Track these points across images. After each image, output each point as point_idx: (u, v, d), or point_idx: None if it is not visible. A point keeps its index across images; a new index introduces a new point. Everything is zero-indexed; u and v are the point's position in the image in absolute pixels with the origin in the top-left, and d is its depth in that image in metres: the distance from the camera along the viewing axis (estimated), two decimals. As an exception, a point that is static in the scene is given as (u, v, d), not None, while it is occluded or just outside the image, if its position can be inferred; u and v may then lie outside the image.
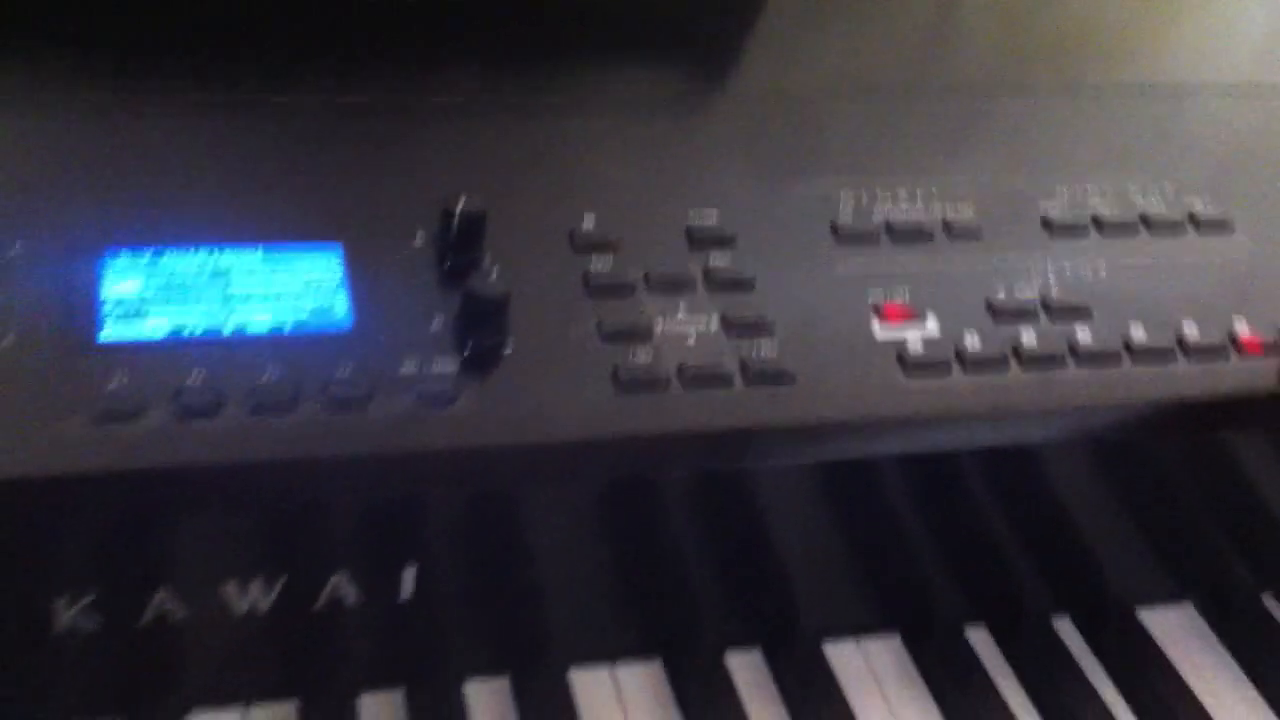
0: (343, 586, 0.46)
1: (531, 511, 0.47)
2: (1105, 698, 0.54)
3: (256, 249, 0.48)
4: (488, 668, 0.51)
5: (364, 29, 0.59)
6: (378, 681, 0.49)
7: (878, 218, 0.53)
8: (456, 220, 0.47)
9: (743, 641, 0.53)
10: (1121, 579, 0.58)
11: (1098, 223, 0.54)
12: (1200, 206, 0.57)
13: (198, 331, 0.44)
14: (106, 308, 0.45)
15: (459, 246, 0.48)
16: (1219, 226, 0.56)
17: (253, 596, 0.45)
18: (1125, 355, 0.50)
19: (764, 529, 0.50)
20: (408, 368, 0.44)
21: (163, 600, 0.44)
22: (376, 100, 0.55)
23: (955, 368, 0.48)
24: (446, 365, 0.45)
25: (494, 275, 0.46)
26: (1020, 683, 0.54)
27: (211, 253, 0.47)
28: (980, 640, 0.56)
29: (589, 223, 0.50)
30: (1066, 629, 0.57)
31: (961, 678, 0.54)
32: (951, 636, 0.55)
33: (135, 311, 0.45)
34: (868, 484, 0.50)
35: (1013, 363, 0.49)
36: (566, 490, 0.46)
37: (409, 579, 0.46)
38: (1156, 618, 0.58)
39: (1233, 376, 0.51)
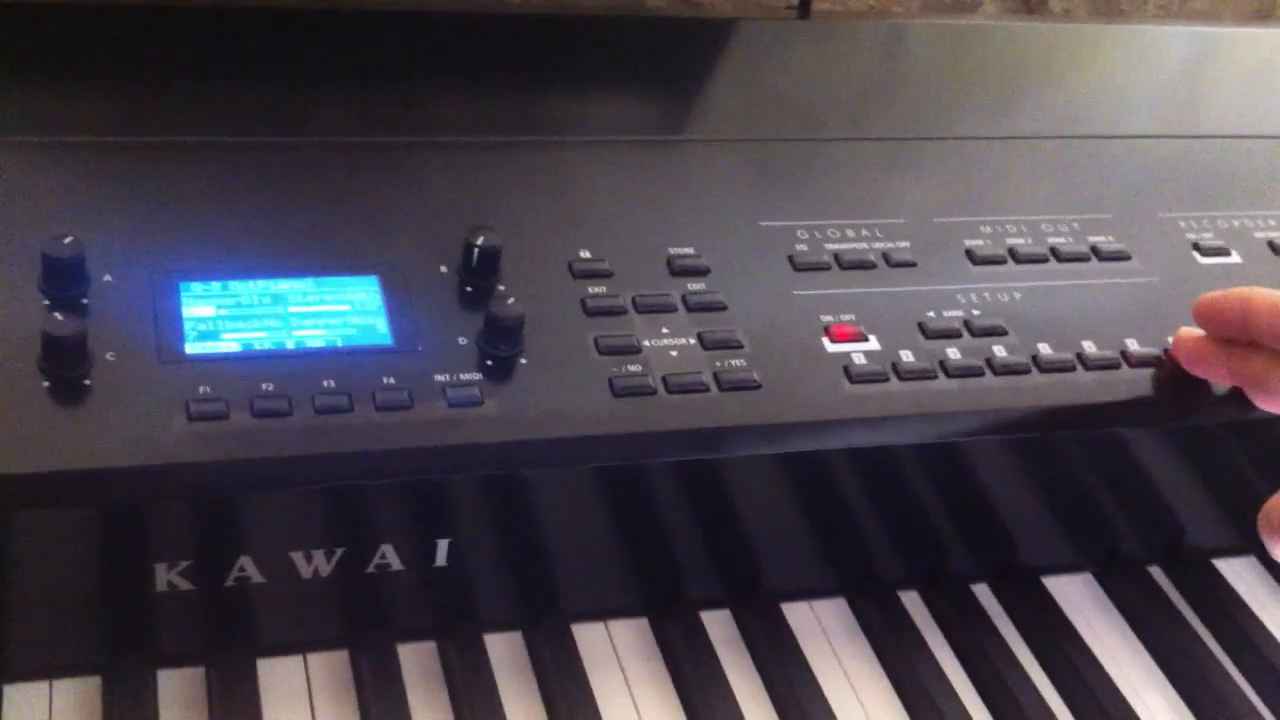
0: (388, 555, 0.55)
1: (543, 493, 0.56)
2: (1017, 652, 0.64)
3: (308, 278, 0.57)
4: (505, 622, 0.59)
5: (399, 74, 0.68)
6: (416, 633, 0.58)
7: (828, 251, 0.63)
8: (477, 253, 0.57)
9: (715, 603, 0.63)
10: (1031, 551, 0.67)
11: (1014, 254, 0.64)
12: (1102, 240, 0.67)
13: (265, 347, 0.54)
14: (188, 327, 0.54)
15: (479, 275, 0.57)
16: (1118, 257, 0.66)
17: (316, 563, 0.54)
18: (1034, 367, 0.60)
19: (732, 507, 0.60)
20: (441, 377, 0.53)
21: (243, 566, 0.53)
22: (405, 141, 0.64)
23: (891, 377, 0.58)
24: (473, 375, 0.54)
25: (510, 300, 0.55)
26: (944, 637, 0.64)
27: (270, 281, 0.56)
28: (912, 601, 0.65)
29: (585, 254, 0.60)
30: (983, 593, 0.66)
31: (896, 633, 0.63)
32: (889, 598, 0.65)
33: (212, 331, 0.54)
34: (818, 472, 0.59)
35: (940, 374, 0.59)
36: (572, 476, 0.55)
37: (443, 549, 0.55)
38: (1059, 584, 0.67)
39: (1124, 385, 0.60)
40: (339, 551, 0.54)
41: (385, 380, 0.53)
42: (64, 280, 0.52)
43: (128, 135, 0.60)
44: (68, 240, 0.52)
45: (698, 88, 0.73)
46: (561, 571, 0.59)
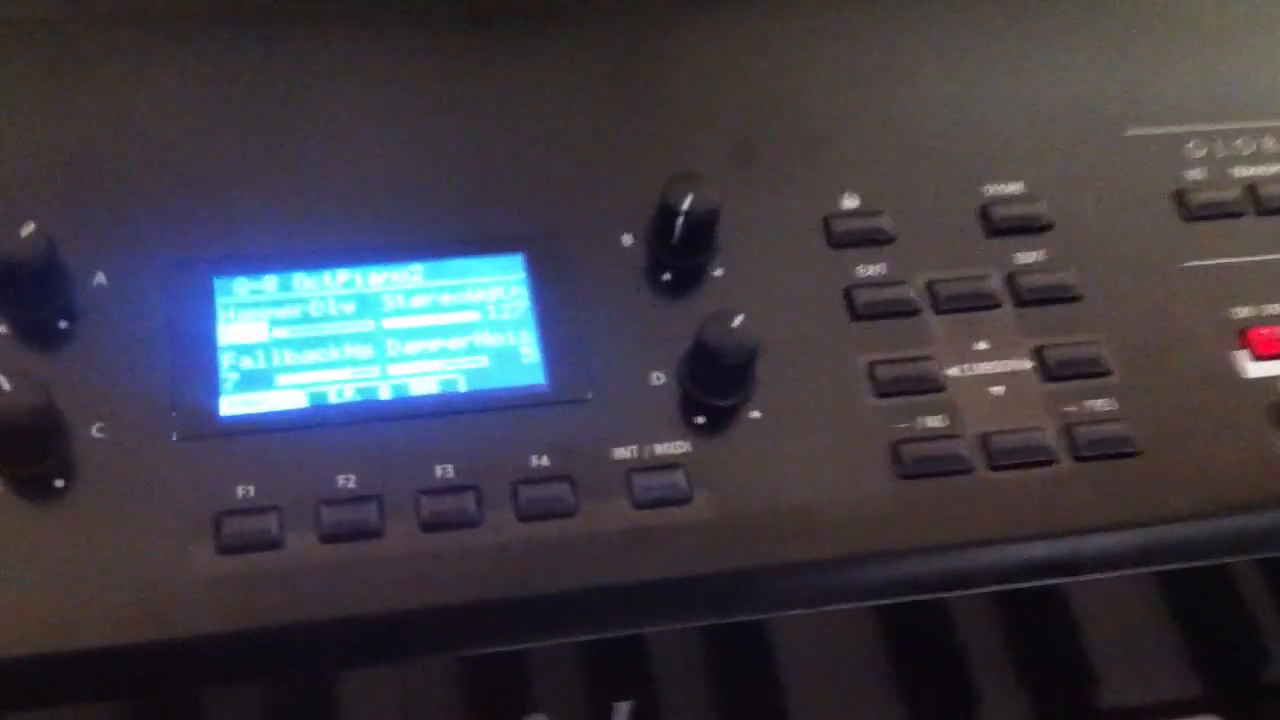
0: (542, 723, 0.36)
1: (781, 635, 0.36)
2: None
3: (412, 263, 0.36)
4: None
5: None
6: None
7: (1235, 180, 0.39)
8: (681, 222, 0.34)
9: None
10: None
11: None
12: None
13: (346, 398, 0.33)
14: (225, 366, 0.33)
15: (683, 252, 0.35)
16: None
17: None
18: None
19: (1075, 626, 0.39)
20: (623, 451, 0.33)
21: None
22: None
23: (1353, 422, 0.35)
24: (674, 443, 0.33)
25: (736, 318, 0.33)
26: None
27: (353, 270, 0.35)
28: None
29: (849, 201, 0.37)
30: None
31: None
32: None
33: (262, 371, 0.34)
34: (1224, 578, 0.38)
35: None
36: (829, 617, 0.35)
37: (622, 714, 0.36)
38: None
39: None
40: (464, 723, 0.35)
41: (535, 461, 0.32)
42: (27, 295, 0.33)
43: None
44: (26, 232, 0.32)
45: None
46: None
